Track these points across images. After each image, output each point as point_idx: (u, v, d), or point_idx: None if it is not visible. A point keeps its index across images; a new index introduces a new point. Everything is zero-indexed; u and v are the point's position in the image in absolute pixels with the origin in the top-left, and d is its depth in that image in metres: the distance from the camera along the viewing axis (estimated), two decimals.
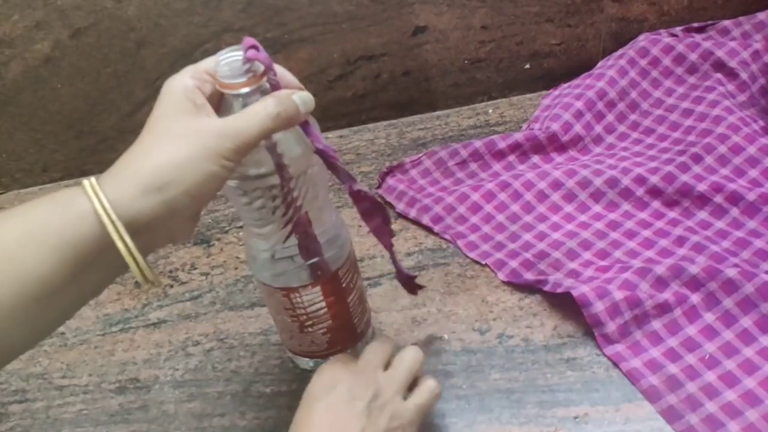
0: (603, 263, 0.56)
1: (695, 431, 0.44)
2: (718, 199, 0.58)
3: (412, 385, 0.43)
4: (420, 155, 0.70)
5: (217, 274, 0.63)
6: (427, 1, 0.72)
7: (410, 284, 0.52)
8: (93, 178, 0.33)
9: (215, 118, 0.35)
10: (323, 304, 0.45)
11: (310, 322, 0.46)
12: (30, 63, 0.71)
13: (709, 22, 0.73)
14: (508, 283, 0.57)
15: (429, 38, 0.75)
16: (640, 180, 0.61)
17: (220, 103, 0.38)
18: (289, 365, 0.54)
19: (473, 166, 0.68)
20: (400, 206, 0.65)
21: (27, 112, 0.75)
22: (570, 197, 0.62)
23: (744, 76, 0.67)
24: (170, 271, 0.65)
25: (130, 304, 0.62)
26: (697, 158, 0.61)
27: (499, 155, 0.68)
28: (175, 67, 0.37)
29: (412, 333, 0.54)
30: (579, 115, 0.68)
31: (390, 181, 0.68)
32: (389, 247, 0.46)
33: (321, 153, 0.39)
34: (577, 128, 0.68)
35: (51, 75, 0.72)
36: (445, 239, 0.62)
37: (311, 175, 0.40)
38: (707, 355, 0.48)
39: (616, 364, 0.49)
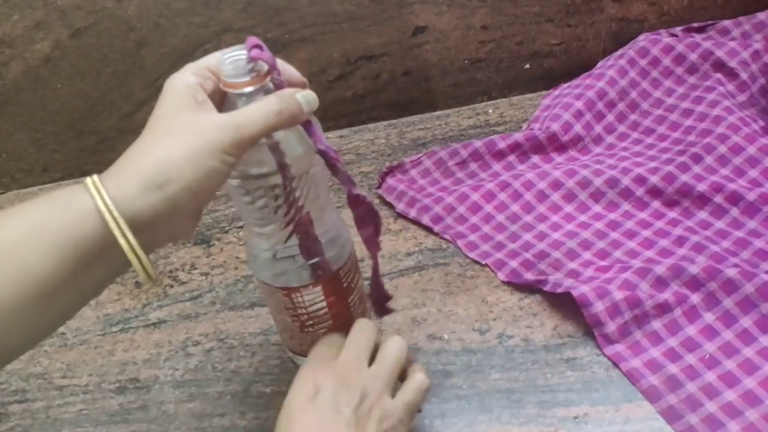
0: (603, 263, 0.56)
1: (695, 431, 0.44)
2: (718, 199, 0.58)
3: (401, 376, 0.42)
4: (420, 155, 0.70)
5: (217, 274, 0.63)
6: (427, 1, 0.72)
7: (381, 304, 0.48)
8: (95, 176, 0.33)
9: (216, 114, 0.35)
10: (324, 304, 0.45)
11: (310, 322, 0.46)
12: (30, 63, 0.71)
13: (709, 22, 0.73)
14: (508, 283, 0.57)
15: (429, 38, 0.75)
16: (640, 180, 0.61)
17: (223, 102, 0.38)
18: (289, 365, 0.54)
19: (473, 166, 0.68)
20: (400, 206, 0.65)
21: (27, 112, 0.75)
22: (570, 197, 0.62)
23: (744, 76, 0.67)
24: (170, 271, 0.65)
25: (130, 304, 0.62)
26: (697, 158, 0.61)
27: (499, 155, 0.68)
28: (175, 67, 0.37)
29: (412, 333, 0.54)
30: (579, 115, 0.68)
31: (390, 181, 0.68)
32: (375, 258, 0.45)
33: (323, 154, 0.39)
34: (577, 128, 0.68)
35: (51, 75, 0.72)
36: (445, 239, 0.62)
37: (313, 175, 0.40)
38: (707, 355, 0.48)
39: (616, 364, 0.49)
